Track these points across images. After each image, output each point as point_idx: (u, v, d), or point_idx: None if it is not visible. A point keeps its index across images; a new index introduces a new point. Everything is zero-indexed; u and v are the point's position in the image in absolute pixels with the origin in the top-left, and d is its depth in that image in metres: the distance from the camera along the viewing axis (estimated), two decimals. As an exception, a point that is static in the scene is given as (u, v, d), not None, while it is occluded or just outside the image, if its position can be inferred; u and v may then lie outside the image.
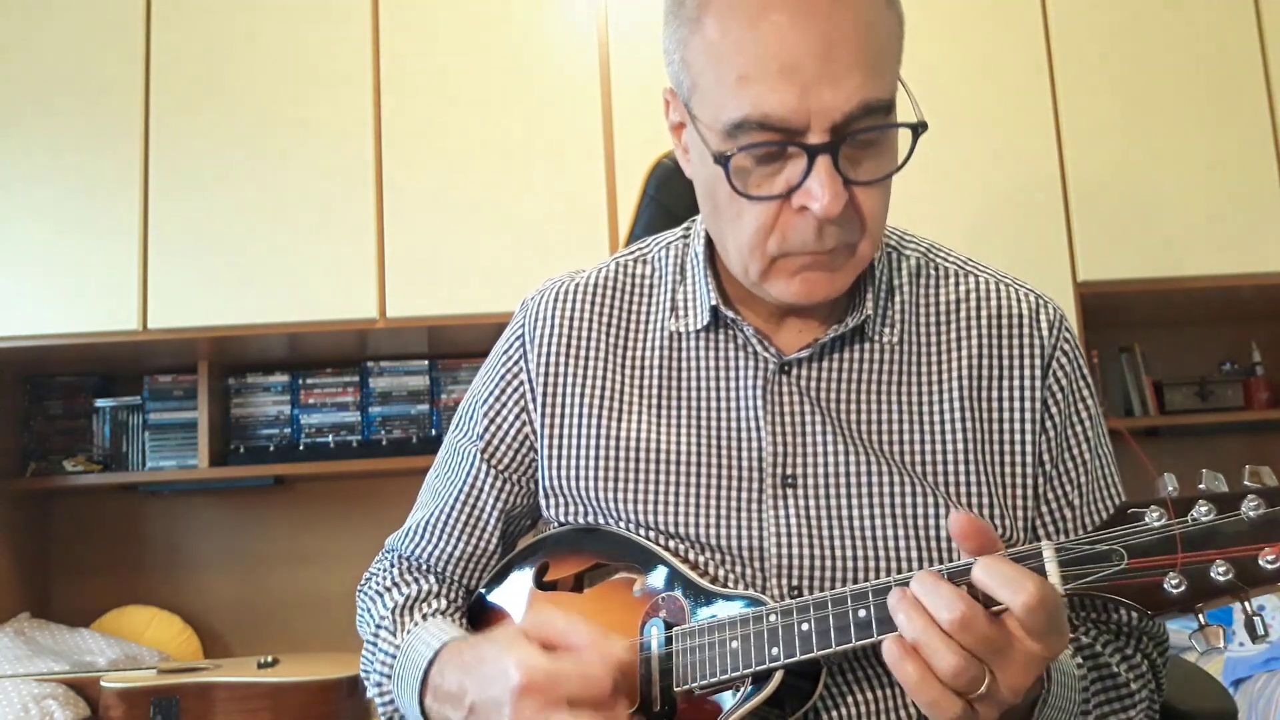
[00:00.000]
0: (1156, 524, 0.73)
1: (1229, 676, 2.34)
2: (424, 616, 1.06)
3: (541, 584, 1.07)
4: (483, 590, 1.13)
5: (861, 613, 0.82)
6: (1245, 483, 0.72)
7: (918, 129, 0.89)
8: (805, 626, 0.85)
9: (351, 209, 2.60)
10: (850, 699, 0.95)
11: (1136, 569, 0.73)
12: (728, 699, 0.89)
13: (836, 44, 0.85)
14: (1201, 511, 0.72)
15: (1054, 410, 1.01)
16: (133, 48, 2.62)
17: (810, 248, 0.92)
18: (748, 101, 0.86)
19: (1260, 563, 0.69)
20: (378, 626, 1.08)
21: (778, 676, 0.87)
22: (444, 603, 1.09)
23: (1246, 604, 0.71)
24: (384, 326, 2.58)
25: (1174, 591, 0.72)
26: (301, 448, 2.83)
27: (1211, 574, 0.70)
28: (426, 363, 2.91)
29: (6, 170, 2.57)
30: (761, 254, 0.94)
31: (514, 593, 1.09)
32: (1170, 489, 0.74)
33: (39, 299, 2.53)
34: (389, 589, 1.12)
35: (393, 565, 1.16)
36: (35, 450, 2.87)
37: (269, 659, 2.33)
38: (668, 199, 1.53)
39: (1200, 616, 0.72)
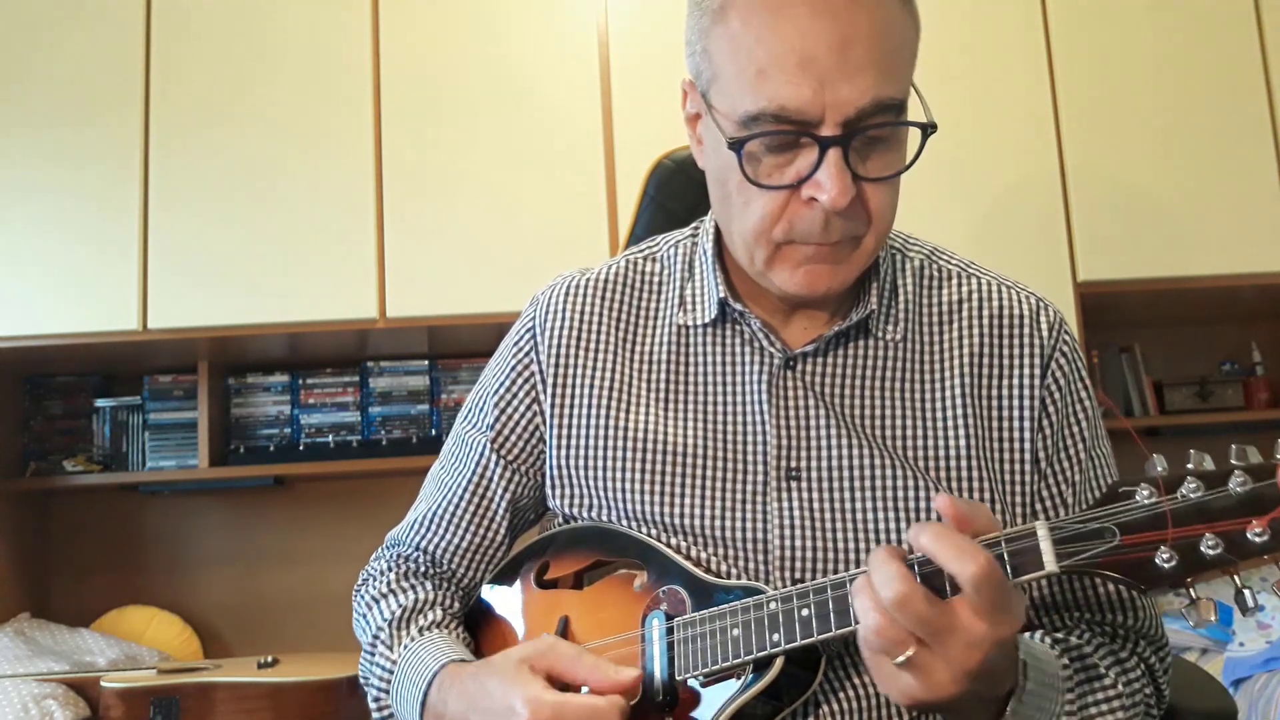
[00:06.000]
0: (1147, 501, 0.74)
1: (1229, 676, 2.34)
2: (420, 630, 1.06)
3: (542, 583, 1.07)
4: (483, 591, 1.13)
5: None
6: (1232, 461, 0.73)
7: (927, 129, 0.92)
8: (805, 611, 0.86)
9: (351, 209, 2.60)
10: (849, 686, 0.95)
11: (1129, 545, 0.74)
12: (730, 687, 0.90)
13: (853, 41, 0.88)
14: (1190, 488, 0.73)
15: (1051, 410, 1.02)
16: (133, 51, 2.63)
17: (816, 238, 0.93)
18: (765, 95, 0.89)
19: (1249, 536, 0.70)
20: (374, 638, 1.08)
21: (778, 663, 0.87)
22: (440, 613, 1.09)
23: (1235, 577, 0.72)
24: (384, 326, 2.58)
25: (1165, 566, 0.72)
26: (301, 448, 2.83)
27: (1201, 548, 0.71)
28: (426, 363, 2.90)
29: (7, 171, 2.58)
30: (767, 240, 0.95)
31: (514, 593, 1.09)
32: (1160, 468, 0.74)
33: (39, 299, 2.54)
34: (384, 596, 1.11)
35: (389, 568, 1.16)
36: (35, 450, 2.88)
37: (269, 659, 2.33)
38: (668, 199, 1.54)
39: (1191, 590, 0.73)
